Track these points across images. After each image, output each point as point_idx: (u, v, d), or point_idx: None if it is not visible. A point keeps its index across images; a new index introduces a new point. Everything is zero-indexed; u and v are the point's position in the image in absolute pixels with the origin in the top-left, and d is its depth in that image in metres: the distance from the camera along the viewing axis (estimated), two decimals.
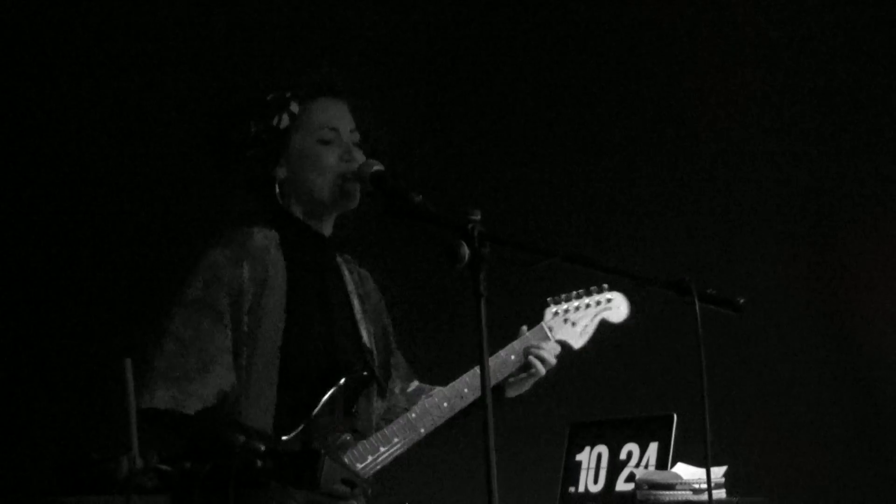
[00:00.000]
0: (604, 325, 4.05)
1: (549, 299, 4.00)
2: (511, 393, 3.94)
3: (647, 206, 5.66)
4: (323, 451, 3.03)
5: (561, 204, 5.74)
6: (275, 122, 3.69)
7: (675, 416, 4.37)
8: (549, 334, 3.96)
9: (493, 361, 3.78)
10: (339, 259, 3.82)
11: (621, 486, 4.42)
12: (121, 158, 5.60)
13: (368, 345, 3.75)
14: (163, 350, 3.55)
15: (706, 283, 3.33)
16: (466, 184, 5.62)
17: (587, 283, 4.03)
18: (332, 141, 3.69)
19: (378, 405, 3.78)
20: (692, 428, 4.20)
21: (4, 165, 5.57)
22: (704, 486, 4.08)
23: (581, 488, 4.52)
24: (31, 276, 5.55)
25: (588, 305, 4.03)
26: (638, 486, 4.26)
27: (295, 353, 3.61)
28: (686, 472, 4.23)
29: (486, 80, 5.79)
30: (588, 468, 4.53)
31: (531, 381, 3.93)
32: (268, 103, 3.71)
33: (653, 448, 4.40)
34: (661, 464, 4.35)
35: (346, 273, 3.81)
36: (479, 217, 3.10)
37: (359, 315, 3.77)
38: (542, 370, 3.90)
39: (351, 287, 3.79)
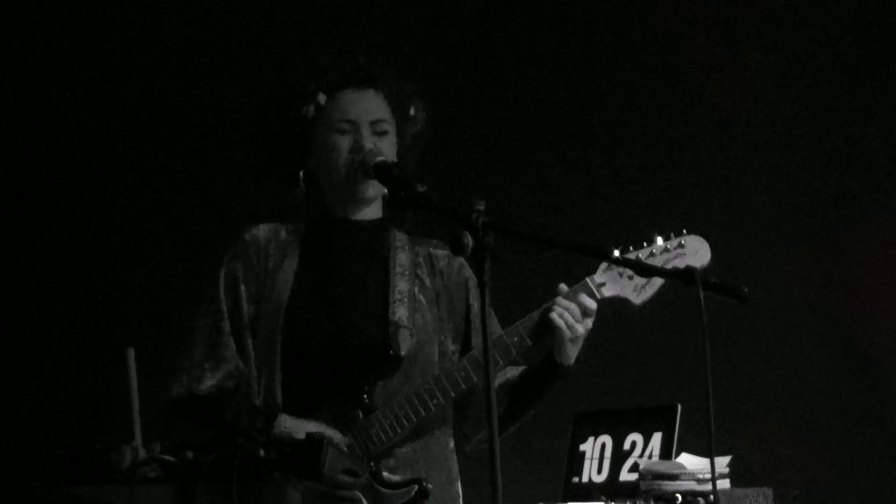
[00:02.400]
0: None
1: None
2: (559, 358, 3.65)
3: (653, 200, 5.66)
4: (326, 441, 3.02)
5: (566, 195, 5.73)
6: (303, 112, 3.73)
7: (680, 406, 4.37)
8: (594, 290, 3.62)
9: (523, 324, 3.64)
10: (397, 241, 3.79)
11: (625, 476, 4.42)
12: (124, 151, 5.61)
13: (404, 323, 3.70)
14: (180, 348, 3.70)
15: (711, 274, 3.32)
16: (471, 174, 5.62)
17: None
18: (347, 132, 3.70)
19: (400, 384, 3.71)
20: (696, 418, 4.20)
21: (11, 159, 5.57)
22: (708, 476, 4.08)
23: (585, 478, 4.52)
24: (35, 267, 5.55)
25: (652, 254, 3.60)
26: (642, 476, 4.26)
27: (296, 338, 3.65)
28: (690, 462, 4.23)
29: (489, 70, 5.79)
30: (592, 458, 4.52)
31: (569, 345, 3.63)
32: (296, 95, 3.74)
33: (657, 438, 4.40)
34: (666, 454, 4.35)
35: (400, 254, 3.78)
36: (483, 207, 3.09)
37: (397, 295, 3.74)
38: (566, 332, 3.61)
39: (400, 269, 3.76)
